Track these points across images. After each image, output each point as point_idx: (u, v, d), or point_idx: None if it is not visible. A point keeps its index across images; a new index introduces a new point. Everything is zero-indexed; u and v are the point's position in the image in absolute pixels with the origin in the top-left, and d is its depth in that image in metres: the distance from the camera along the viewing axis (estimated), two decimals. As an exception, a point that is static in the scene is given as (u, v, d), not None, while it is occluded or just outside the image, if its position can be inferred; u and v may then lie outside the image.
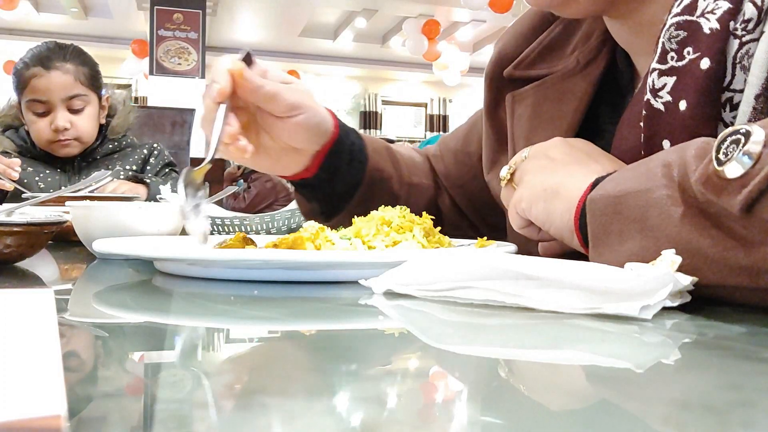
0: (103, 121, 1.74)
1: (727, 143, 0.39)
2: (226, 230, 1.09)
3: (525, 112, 0.76)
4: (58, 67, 1.61)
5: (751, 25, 0.49)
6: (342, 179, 0.79)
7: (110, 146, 1.74)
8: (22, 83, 1.62)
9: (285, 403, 0.24)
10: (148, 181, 1.66)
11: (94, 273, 0.65)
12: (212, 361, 0.33)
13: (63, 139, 1.63)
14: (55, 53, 1.63)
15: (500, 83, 0.81)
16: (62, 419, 0.16)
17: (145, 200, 1.51)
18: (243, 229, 1.08)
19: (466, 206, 0.92)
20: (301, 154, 0.76)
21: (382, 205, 0.81)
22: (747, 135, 0.38)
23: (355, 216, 0.75)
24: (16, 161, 1.44)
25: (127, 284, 0.58)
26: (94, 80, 1.69)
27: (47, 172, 1.65)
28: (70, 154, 1.67)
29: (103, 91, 1.74)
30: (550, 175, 0.56)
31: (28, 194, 1.34)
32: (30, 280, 0.60)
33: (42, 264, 0.70)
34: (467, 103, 9.90)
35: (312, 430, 0.21)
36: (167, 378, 0.28)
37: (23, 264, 0.66)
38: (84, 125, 1.66)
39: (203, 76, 6.61)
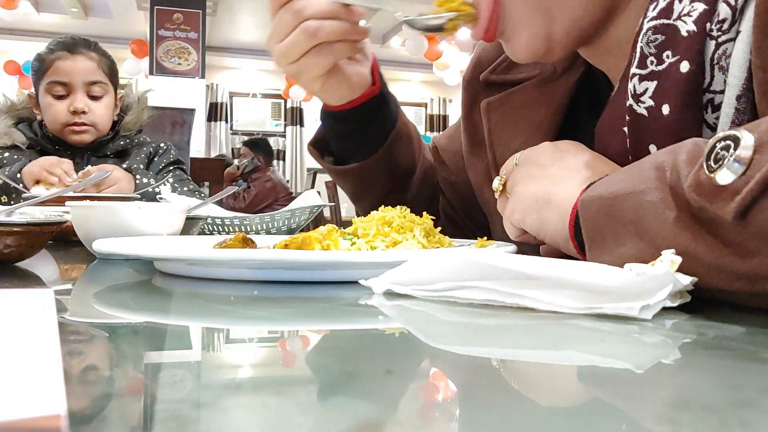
0: (116, 118, 1.76)
1: (717, 149, 0.39)
2: (226, 230, 1.09)
3: (502, 120, 0.76)
4: (83, 53, 1.67)
5: (726, 25, 0.49)
6: (389, 108, 0.84)
7: (122, 142, 1.75)
8: (45, 66, 1.65)
9: (285, 403, 0.24)
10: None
11: (94, 273, 0.65)
12: (212, 361, 0.33)
13: (78, 123, 1.65)
14: (80, 42, 1.69)
15: (477, 87, 0.82)
16: (62, 419, 0.16)
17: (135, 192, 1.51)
18: (243, 229, 1.08)
19: (456, 204, 0.94)
20: (352, 87, 0.79)
21: (404, 165, 0.87)
22: (736, 140, 0.38)
23: (380, 164, 0.82)
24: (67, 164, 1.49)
25: (127, 284, 0.58)
26: (113, 73, 1.74)
27: None
28: (84, 142, 1.68)
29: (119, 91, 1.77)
30: (541, 183, 0.56)
31: (28, 194, 1.34)
32: (30, 280, 0.60)
33: (42, 264, 0.70)
34: (467, 103, 9.87)
35: (312, 430, 0.21)
36: (167, 378, 0.28)
37: (23, 264, 0.66)
38: (101, 112, 1.69)
39: (203, 76, 6.61)
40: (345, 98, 0.80)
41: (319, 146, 0.89)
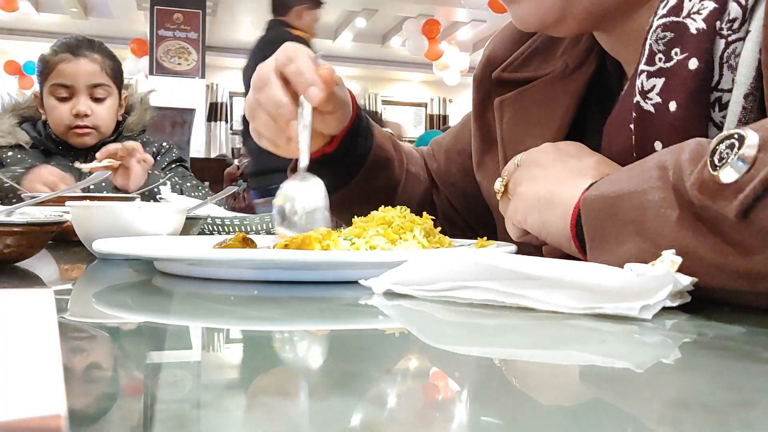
0: (120, 119, 1.76)
1: (721, 147, 0.39)
2: (226, 230, 1.08)
3: (514, 117, 0.76)
4: (87, 55, 1.67)
5: (736, 25, 0.49)
6: (353, 154, 0.83)
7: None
8: (48, 68, 1.65)
9: (285, 403, 0.24)
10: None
11: (94, 273, 0.65)
12: (212, 361, 0.33)
13: (81, 125, 1.65)
14: (84, 44, 1.69)
15: (488, 86, 0.82)
16: (62, 419, 0.16)
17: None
18: (243, 229, 1.08)
19: (459, 204, 0.93)
20: (322, 137, 0.79)
21: (383, 189, 0.84)
22: (741, 139, 0.38)
23: (355, 195, 0.77)
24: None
25: (127, 284, 0.58)
26: (117, 74, 1.73)
27: (59, 168, 1.65)
28: (86, 144, 1.68)
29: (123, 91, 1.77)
30: (543, 184, 0.56)
31: (27, 194, 1.34)
32: (30, 280, 0.60)
33: (42, 264, 0.70)
34: (467, 103, 9.86)
35: (312, 430, 0.21)
36: (167, 378, 0.28)
37: (23, 264, 0.66)
38: (104, 115, 1.69)
39: (203, 76, 6.62)
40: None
41: None
